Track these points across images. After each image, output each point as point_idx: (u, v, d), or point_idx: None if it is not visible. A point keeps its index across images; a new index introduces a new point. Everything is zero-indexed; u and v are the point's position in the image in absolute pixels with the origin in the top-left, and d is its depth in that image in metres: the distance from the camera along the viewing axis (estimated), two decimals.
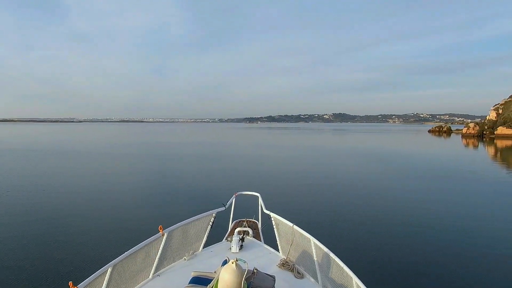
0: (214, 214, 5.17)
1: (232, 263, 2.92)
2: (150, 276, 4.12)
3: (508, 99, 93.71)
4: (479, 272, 8.16)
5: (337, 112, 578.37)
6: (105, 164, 27.89)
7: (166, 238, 4.31)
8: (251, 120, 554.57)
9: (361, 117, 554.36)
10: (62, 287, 6.78)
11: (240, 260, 3.00)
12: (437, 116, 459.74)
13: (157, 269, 4.22)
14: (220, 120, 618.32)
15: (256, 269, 3.43)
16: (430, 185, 19.72)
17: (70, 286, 2.93)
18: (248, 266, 3.04)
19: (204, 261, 4.62)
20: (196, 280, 3.38)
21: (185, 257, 4.66)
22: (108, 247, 8.96)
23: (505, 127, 74.67)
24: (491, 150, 48.82)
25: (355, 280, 3.53)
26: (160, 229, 4.22)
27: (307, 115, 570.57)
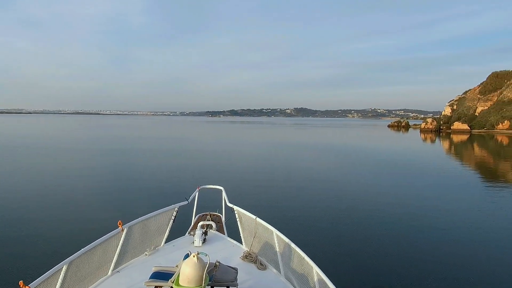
0: (176, 209, 5.09)
1: (194, 256, 2.91)
2: (109, 273, 3.99)
3: (462, 96, 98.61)
4: (432, 258, 8.49)
5: (299, 107, 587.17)
6: (54, 159, 25.53)
7: (126, 233, 4.22)
8: (213, 113, 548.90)
9: (322, 112, 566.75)
10: (11, 286, 6.35)
11: (202, 253, 3.02)
12: (393, 111, 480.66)
13: (116, 266, 4.10)
14: (182, 114, 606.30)
15: (219, 262, 3.38)
16: (390, 178, 20.30)
17: (21, 286, 2.84)
18: (210, 259, 3.07)
19: (166, 255, 4.53)
20: (157, 275, 3.32)
21: (146, 253, 4.56)
22: (64, 244, 8.62)
23: (460, 122, 78.16)
24: (448, 144, 51.30)
25: (316, 269, 3.64)
26: (119, 224, 4.12)
27: (269, 109, 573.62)
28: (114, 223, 4.24)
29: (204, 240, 5.01)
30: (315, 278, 3.66)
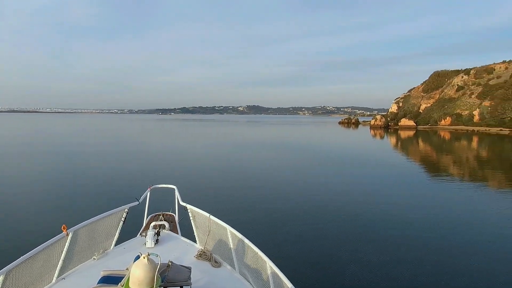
0: (126, 210, 4.93)
1: (144, 258, 2.86)
2: (54, 280, 3.85)
3: (407, 94, 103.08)
4: (386, 250, 8.76)
5: (252, 104, 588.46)
6: None
7: (71, 238, 4.05)
8: (164, 111, 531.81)
9: (274, 109, 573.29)
10: None
11: (153, 254, 2.97)
12: (341, 109, 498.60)
13: (61, 272, 3.94)
14: (130, 111, 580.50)
15: (171, 262, 3.33)
16: (345, 172, 21.07)
17: None
18: (163, 259, 3.05)
19: (116, 258, 4.39)
20: (106, 279, 3.23)
21: (94, 257, 4.39)
22: (0, 253, 8.13)
23: (407, 119, 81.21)
24: (396, 140, 53.11)
25: (269, 263, 3.69)
26: (64, 228, 3.97)
27: (222, 107, 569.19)
28: (58, 228, 4.03)
29: (157, 241, 4.88)
30: (269, 272, 3.69)
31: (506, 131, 60.11)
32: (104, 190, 15.19)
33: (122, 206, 4.93)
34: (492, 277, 7.53)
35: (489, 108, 71.64)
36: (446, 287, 7.12)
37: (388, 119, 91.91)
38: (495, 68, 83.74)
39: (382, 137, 58.44)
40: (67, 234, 4.01)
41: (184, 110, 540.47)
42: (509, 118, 66.16)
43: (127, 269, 3.19)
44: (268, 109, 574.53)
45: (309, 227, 10.45)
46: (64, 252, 3.95)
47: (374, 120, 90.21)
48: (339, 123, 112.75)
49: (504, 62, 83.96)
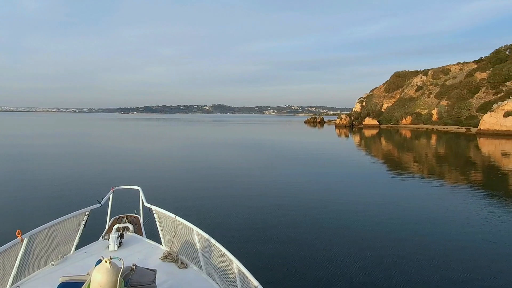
0: (87, 212, 4.82)
1: (106, 262, 2.80)
2: None
3: (370, 93, 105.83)
4: (350, 244, 9.08)
5: (217, 103, 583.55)
6: None
7: (27, 243, 3.92)
8: (126, 110, 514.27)
9: (239, 108, 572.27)
10: None
11: (115, 258, 2.92)
12: (306, 108, 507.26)
13: (16, 280, 3.81)
14: (90, 110, 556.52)
15: (135, 265, 3.28)
16: (310, 170, 21.37)
17: None
18: (127, 262, 2.99)
19: (76, 264, 4.27)
20: (64, 285, 3.15)
21: (52, 262, 4.24)
22: None
23: (370, 118, 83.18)
24: (361, 138, 54.19)
25: (236, 263, 3.70)
26: (18, 234, 3.84)
27: (186, 105, 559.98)
28: (12, 234, 3.86)
29: (120, 244, 4.72)
30: (236, 271, 3.69)
31: (462, 129, 62.95)
32: (63, 193, 14.44)
33: (83, 209, 4.77)
34: (453, 267, 7.85)
35: (446, 108, 74.93)
36: (416, 280, 7.24)
37: (352, 118, 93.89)
38: (451, 69, 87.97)
39: (347, 136, 59.62)
40: (22, 240, 3.86)
41: (148, 109, 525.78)
42: (464, 117, 69.48)
43: (88, 274, 3.08)
44: (233, 108, 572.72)
45: (276, 226, 10.54)
46: (18, 259, 3.78)
47: (339, 119, 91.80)
48: (305, 122, 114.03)
49: (458, 63, 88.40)
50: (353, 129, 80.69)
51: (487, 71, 75.41)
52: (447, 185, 17.64)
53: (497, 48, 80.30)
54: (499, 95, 68.52)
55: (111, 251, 4.56)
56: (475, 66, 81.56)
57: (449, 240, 9.60)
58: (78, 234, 4.68)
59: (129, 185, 6.12)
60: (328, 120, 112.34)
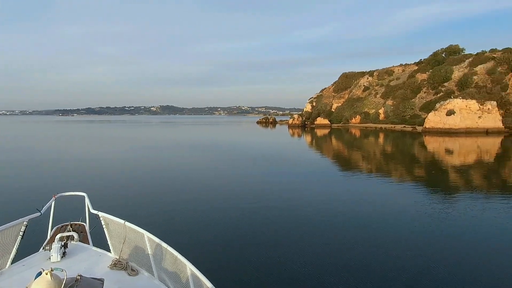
0: (25, 222, 4.50)
1: (47, 274, 2.67)
2: None
3: (319, 94, 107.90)
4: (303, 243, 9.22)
5: (165, 104, 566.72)
6: None
7: None
8: (64, 112, 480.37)
9: (189, 109, 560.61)
10: None
11: (57, 269, 2.83)
12: (256, 109, 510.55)
13: None
14: (23, 112, 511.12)
15: (80, 276, 3.08)
16: (265, 170, 21.64)
17: None
18: (70, 273, 2.93)
19: (13, 278, 4.00)
20: None
21: None
22: None
23: (322, 118, 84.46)
24: (313, 138, 54.96)
25: (189, 266, 3.68)
26: None
27: (132, 107, 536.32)
28: None
29: (64, 254, 4.42)
30: (189, 275, 3.66)
31: (409, 128, 65.82)
32: None
33: (20, 219, 4.44)
34: (409, 262, 8.13)
35: (392, 107, 78.24)
36: (370, 276, 7.33)
37: (304, 118, 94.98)
38: (394, 70, 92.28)
39: (300, 136, 60.21)
40: None
41: (90, 111, 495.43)
42: (409, 116, 72.92)
43: None
44: (183, 109, 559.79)
45: (229, 227, 10.47)
46: None
47: (292, 119, 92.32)
48: (257, 122, 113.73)
49: (401, 65, 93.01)
50: (306, 129, 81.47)
51: (427, 73, 79.99)
52: (396, 181, 18.57)
53: (435, 51, 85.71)
54: (438, 95, 72.86)
55: (53, 262, 4.23)
56: (416, 67, 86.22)
57: (388, 231, 10.23)
58: (15, 246, 4.34)
59: (73, 191, 5.81)
60: (280, 121, 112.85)
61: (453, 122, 52.40)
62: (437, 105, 56.69)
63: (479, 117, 52.43)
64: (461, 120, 52.24)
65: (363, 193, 15.30)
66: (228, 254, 8.49)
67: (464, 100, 54.06)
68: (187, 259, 3.75)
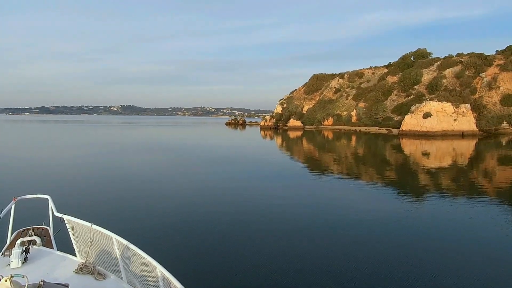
0: None
1: (6, 281, 2.60)
2: None
3: (290, 95, 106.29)
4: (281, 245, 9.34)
5: (126, 104, 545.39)
6: None
7: None
8: (15, 111, 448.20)
9: (151, 109, 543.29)
10: None
11: (17, 275, 2.75)
12: (221, 110, 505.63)
13: None
14: None
15: (43, 281, 3.03)
16: (237, 173, 21.36)
17: None
18: (32, 279, 2.84)
19: None
20: None
21: None
22: None
23: (295, 120, 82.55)
24: (287, 140, 53.56)
25: (159, 268, 3.63)
26: None
27: (91, 106, 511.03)
28: None
29: (25, 259, 4.25)
30: (160, 277, 3.62)
31: (383, 130, 65.28)
32: None
33: None
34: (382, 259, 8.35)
35: (364, 109, 77.89)
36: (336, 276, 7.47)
37: (275, 119, 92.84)
38: (364, 73, 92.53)
39: (272, 138, 58.50)
40: None
41: (44, 110, 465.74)
42: (381, 118, 72.73)
43: None
44: (145, 109, 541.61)
45: (200, 228, 10.54)
46: None
47: (264, 121, 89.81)
48: (226, 124, 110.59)
49: (371, 67, 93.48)
50: (278, 130, 79.22)
51: (397, 75, 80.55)
52: (375, 184, 18.46)
53: (404, 54, 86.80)
54: (409, 97, 73.33)
55: (13, 268, 4.06)
56: (386, 70, 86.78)
57: (357, 231, 10.41)
58: None
59: (36, 194, 5.59)
60: (250, 122, 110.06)
61: (430, 125, 52.11)
62: (413, 108, 56.36)
63: (455, 120, 52.60)
64: (438, 123, 52.09)
65: (348, 197, 15.41)
66: (198, 256, 8.46)
67: (440, 102, 54.01)
68: (158, 262, 3.67)
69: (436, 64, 76.69)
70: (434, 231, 10.37)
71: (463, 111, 53.05)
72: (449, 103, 53.75)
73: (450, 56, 77.27)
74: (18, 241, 4.56)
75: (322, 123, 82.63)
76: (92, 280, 4.01)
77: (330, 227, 10.75)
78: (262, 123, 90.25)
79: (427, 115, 52.74)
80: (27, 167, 23.12)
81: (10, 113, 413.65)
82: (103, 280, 4.04)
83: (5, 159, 26.98)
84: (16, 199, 5.10)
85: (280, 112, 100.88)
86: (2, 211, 4.68)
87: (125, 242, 4.03)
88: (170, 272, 3.46)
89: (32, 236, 4.87)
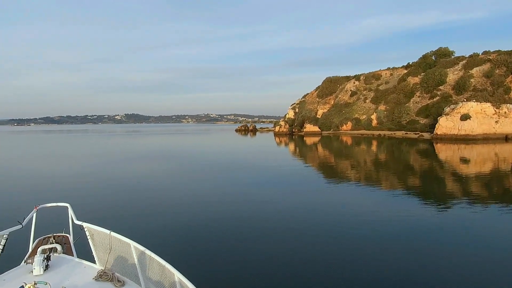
0: (5, 236, 4.47)
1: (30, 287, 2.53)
2: None
3: (302, 99, 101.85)
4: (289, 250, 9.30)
5: (130, 112, 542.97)
6: None
7: None
8: (20, 122, 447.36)
9: (155, 117, 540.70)
10: None
11: (40, 282, 2.77)
12: (225, 116, 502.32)
13: None
14: None
15: None
16: (255, 181, 20.65)
17: None
18: (54, 286, 2.81)
19: None
20: None
21: None
22: None
23: (311, 125, 77.88)
24: (309, 148, 48.32)
25: (177, 274, 3.64)
26: None
27: (95, 115, 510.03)
28: None
29: (47, 267, 4.30)
30: (177, 283, 3.64)
31: (411, 134, 60.33)
32: None
33: (0, 232, 4.40)
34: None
35: (385, 112, 73.18)
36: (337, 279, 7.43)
37: (288, 125, 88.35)
38: (382, 74, 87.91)
39: (286, 144, 54.81)
40: None
41: (49, 120, 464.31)
42: (405, 121, 67.94)
43: None
44: (149, 117, 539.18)
45: (219, 236, 10.38)
46: None
47: (278, 126, 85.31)
48: (236, 130, 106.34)
49: (388, 69, 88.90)
50: (293, 136, 74.58)
51: (418, 76, 75.89)
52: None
53: (424, 53, 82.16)
54: (434, 99, 68.54)
55: (36, 275, 4.06)
56: (405, 71, 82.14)
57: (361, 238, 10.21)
58: None
59: (56, 202, 5.63)
60: (261, 128, 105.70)
61: (470, 128, 47.22)
62: (447, 109, 51.50)
63: (496, 121, 47.75)
64: (478, 125, 47.20)
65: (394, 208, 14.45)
66: (218, 263, 8.40)
67: (478, 103, 49.14)
68: (176, 268, 3.68)
69: (461, 63, 71.89)
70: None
71: (505, 112, 48.20)
72: (488, 104, 48.93)
73: (476, 54, 72.43)
74: (40, 249, 4.64)
75: (340, 127, 77.85)
76: (111, 286, 4.04)
77: (371, 237, 10.31)
78: (277, 128, 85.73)
79: (465, 117, 47.87)
80: (45, 177, 23.49)
81: (15, 124, 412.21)
82: (122, 286, 4.06)
83: (23, 171, 26.88)
84: (37, 208, 5.21)
85: (292, 117, 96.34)
86: (24, 220, 4.71)
87: (142, 248, 4.05)
88: (187, 278, 3.48)
89: (53, 243, 4.93)
